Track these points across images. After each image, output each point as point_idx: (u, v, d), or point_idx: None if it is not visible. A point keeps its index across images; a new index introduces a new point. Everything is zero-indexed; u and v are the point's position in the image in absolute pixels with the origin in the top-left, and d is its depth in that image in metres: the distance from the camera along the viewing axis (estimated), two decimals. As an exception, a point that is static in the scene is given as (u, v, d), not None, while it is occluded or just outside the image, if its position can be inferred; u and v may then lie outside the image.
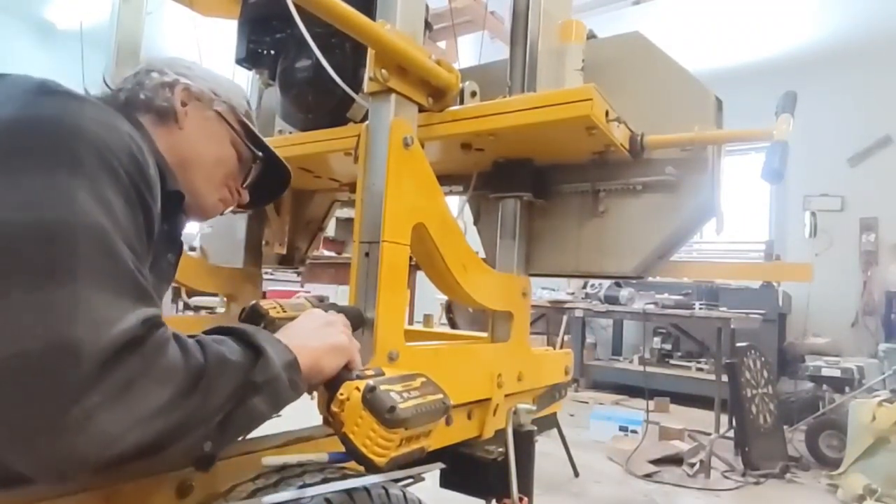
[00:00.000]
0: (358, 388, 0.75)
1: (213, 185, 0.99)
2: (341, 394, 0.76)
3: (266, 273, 1.90)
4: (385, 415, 0.72)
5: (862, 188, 6.10)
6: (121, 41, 1.55)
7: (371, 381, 0.76)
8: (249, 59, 1.54)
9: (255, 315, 0.91)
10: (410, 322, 3.55)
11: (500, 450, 1.19)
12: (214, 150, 0.98)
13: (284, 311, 0.92)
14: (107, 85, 0.95)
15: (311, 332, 0.79)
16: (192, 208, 0.97)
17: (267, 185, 1.11)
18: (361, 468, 0.74)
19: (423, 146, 1.05)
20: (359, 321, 0.94)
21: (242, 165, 1.03)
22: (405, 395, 0.76)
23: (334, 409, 0.76)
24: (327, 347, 0.79)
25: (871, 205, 6.04)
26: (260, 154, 1.04)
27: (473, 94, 1.22)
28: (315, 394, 0.85)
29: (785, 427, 3.89)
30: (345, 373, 0.79)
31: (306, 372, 0.74)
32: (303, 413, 0.99)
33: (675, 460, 3.59)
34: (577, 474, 3.33)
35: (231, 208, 1.07)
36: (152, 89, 0.93)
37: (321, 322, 0.83)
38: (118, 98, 0.92)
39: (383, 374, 0.82)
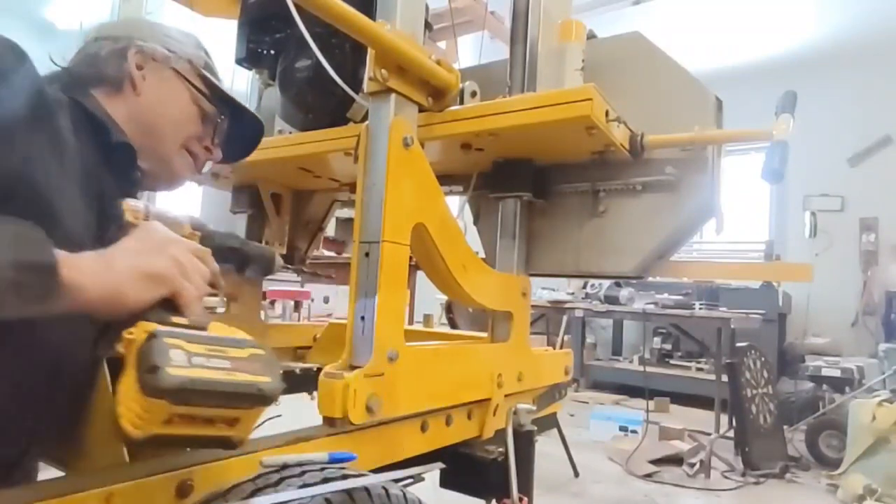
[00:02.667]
0: (147, 332, 0.59)
1: (179, 147, 0.95)
2: (130, 332, 0.60)
3: (266, 273, 1.90)
4: (144, 374, 0.55)
5: (862, 188, 6.11)
6: (121, 41, 1.55)
7: (163, 328, 0.59)
8: (249, 59, 1.54)
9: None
10: (410, 322, 3.55)
11: (500, 450, 1.19)
12: (176, 111, 0.94)
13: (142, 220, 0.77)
14: (53, 62, 0.90)
15: (126, 252, 0.67)
16: (162, 175, 0.94)
17: (240, 137, 1.07)
18: (362, 469, 0.74)
19: (423, 146, 1.05)
20: (267, 266, 0.84)
21: (208, 122, 0.99)
22: (202, 360, 0.58)
23: (120, 349, 0.60)
24: (139, 274, 0.65)
25: (871, 205, 6.05)
26: (225, 108, 1.00)
27: (473, 94, 1.22)
28: (315, 394, 0.84)
29: (785, 427, 3.89)
30: (159, 310, 0.64)
31: (100, 298, 0.62)
32: (303, 413, 0.99)
33: (675, 460, 3.59)
34: (577, 474, 3.33)
35: (207, 168, 1.03)
36: (104, 60, 0.89)
37: (151, 242, 0.69)
38: (70, 74, 0.88)
39: (206, 327, 0.64)
